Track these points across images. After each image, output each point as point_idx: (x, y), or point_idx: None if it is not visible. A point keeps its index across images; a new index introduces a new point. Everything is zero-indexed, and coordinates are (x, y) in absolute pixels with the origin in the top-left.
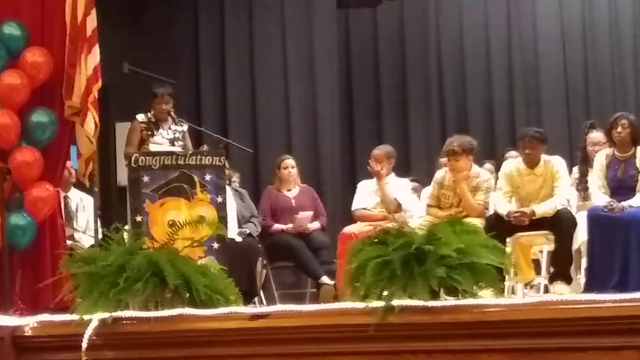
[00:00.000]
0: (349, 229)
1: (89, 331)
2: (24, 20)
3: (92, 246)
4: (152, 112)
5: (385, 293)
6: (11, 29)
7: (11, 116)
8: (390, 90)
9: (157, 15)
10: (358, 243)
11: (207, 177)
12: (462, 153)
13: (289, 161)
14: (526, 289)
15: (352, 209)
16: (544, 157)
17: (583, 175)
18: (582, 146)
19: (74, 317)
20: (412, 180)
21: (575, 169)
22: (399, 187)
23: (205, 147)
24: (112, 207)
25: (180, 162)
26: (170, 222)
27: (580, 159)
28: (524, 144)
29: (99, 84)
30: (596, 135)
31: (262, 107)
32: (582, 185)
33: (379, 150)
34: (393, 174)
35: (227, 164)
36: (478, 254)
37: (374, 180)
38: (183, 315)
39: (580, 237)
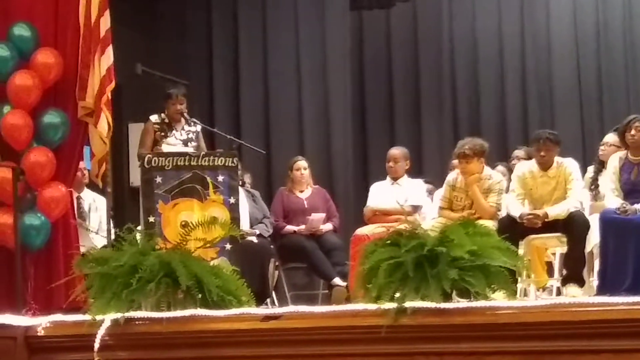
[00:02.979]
0: (362, 230)
1: (101, 331)
2: (37, 21)
3: (104, 247)
4: (165, 113)
5: (397, 295)
6: (21, 30)
7: (23, 117)
8: (403, 92)
9: (171, 17)
10: (370, 245)
11: (220, 178)
12: (474, 156)
13: (302, 162)
14: (539, 291)
15: (365, 208)
16: (557, 159)
17: (596, 174)
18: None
19: (87, 317)
20: (425, 182)
21: (590, 169)
22: (414, 188)
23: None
24: (124, 208)
25: (193, 163)
26: (183, 223)
27: (596, 158)
28: (538, 146)
29: (112, 84)
30: (608, 136)
31: (274, 108)
32: (594, 184)
33: (397, 150)
34: (406, 176)
35: (239, 165)
36: (490, 256)
37: (387, 181)
38: (195, 316)
39: (593, 239)
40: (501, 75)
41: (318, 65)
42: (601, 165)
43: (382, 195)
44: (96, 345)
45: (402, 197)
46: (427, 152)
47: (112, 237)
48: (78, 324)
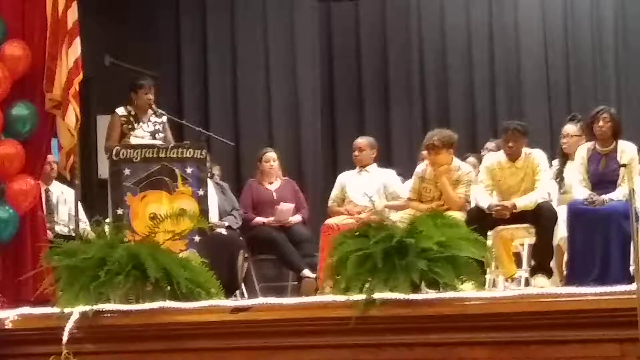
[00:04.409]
0: (331, 220)
1: (69, 324)
2: (4, 13)
3: (71, 238)
4: (132, 105)
5: (366, 286)
6: None
7: None
8: (372, 83)
9: (139, 8)
10: (339, 236)
11: (189, 170)
12: (443, 147)
13: (271, 154)
14: (507, 282)
15: (329, 204)
16: (525, 150)
17: (561, 165)
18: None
19: (55, 310)
20: (397, 174)
21: (555, 162)
22: (390, 179)
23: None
24: (93, 200)
25: (162, 155)
26: (152, 215)
27: (559, 151)
28: (506, 136)
29: (80, 76)
30: (567, 128)
31: (243, 100)
32: (559, 177)
33: (363, 139)
34: (375, 165)
35: (208, 157)
36: (459, 247)
37: (354, 170)
38: (164, 308)
39: (560, 232)
40: (470, 67)
41: (287, 56)
42: (565, 158)
43: (349, 185)
44: (64, 338)
45: (372, 186)
46: (396, 144)
47: (80, 229)
48: (46, 316)
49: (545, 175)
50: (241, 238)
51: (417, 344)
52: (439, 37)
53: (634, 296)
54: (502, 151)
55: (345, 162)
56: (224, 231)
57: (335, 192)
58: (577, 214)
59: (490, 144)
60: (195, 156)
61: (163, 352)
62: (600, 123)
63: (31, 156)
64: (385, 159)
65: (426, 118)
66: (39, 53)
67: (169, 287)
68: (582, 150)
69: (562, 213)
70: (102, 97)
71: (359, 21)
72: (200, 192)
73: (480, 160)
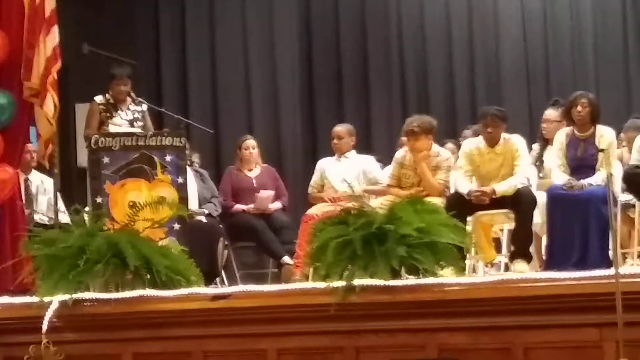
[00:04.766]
0: (312, 210)
1: (49, 313)
2: None
3: (51, 227)
4: (110, 94)
5: (346, 273)
6: None
7: None
8: (352, 70)
9: None
10: (319, 223)
11: (168, 158)
12: (422, 133)
13: (250, 141)
14: (487, 267)
15: (309, 191)
16: (504, 135)
17: (541, 149)
18: None
19: (35, 299)
20: (376, 160)
21: (535, 146)
22: (370, 165)
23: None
24: (72, 189)
25: (141, 143)
26: (131, 204)
27: (539, 135)
28: (485, 122)
29: (58, 65)
30: (548, 113)
31: (222, 87)
32: (539, 160)
33: (341, 127)
34: (354, 151)
35: (187, 145)
36: (439, 233)
37: (334, 157)
38: (144, 296)
39: (539, 217)
40: (449, 54)
41: (266, 44)
42: (545, 142)
43: (329, 172)
44: (44, 327)
45: (351, 172)
46: (376, 130)
47: (60, 218)
48: (26, 306)
49: (524, 161)
50: (221, 225)
51: (397, 330)
52: (418, 25)
53: (613, 281)
54: (481, 137)
55: (325, 149)
56: (203, 219)
57: (314, 179)
58: (556, 199)
59: (467, 132)
60: (174, 144)
61: (143, 340)
62: (579, 108)
63: (9, 145)
64: (365, 146)
65: (406, 104)
66: (16, 42)
67: (148, 275)
68: (561, 135)
69: (540, 198)
70: (81, 85)
71: (338, 9)
72: (180, 180)
73: (458, 147)
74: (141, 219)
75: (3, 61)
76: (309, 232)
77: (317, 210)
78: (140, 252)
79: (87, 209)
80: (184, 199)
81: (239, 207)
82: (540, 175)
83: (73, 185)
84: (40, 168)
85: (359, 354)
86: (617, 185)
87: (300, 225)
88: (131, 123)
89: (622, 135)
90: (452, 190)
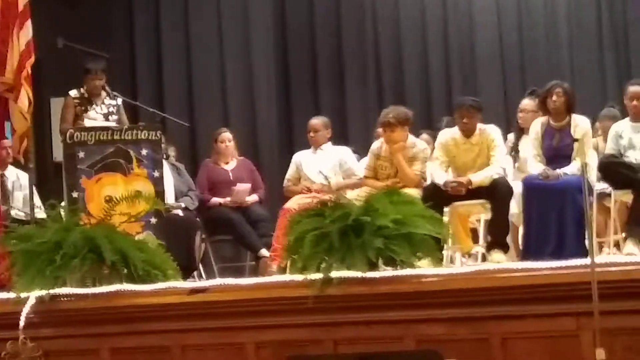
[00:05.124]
0: (290, 204)
1: (26, 309)
2: None
3: (27, 223)
4: (85, 88)
5: (323, 265)
6: None
7: None
8: (327, 62)
9: None
10: (295, 215)
11: (144, 152)
12: (398, 124)
13: (226, 134)
14: (464, 258)
15: (284, 184)
16: (479, 126)
17: (517, 139)
18: None
19: (11, 295)
20: (352, 152)
21: (510, 136)
22: (344, 155)
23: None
24: (48, 184)
25: (116, 137)
26: (107, 198)
27: (515, 125)
28: (461, 113)
29: (32, 59)
30: (524, 102)
31: (198, 80)
32: (514, 150)
33: (317, 120)
34: (330, 143)
35: (163, 138)
36: (415, 224)
37: (309, 150)
38: (121, 291)
39: (515, 206)
40: (424, 44)
41: (241, 36)
42: (521, 132)
43: (305, 165)
44: (21, 323)
45: (327, 164)
46: (352, 121)
47: (36, 213)
48: (2, 302)
49: (500, 151)
50: (198, 219)
51: (375, 322)
52: (393, 15)
53: (589, 270)
54: (456, 127)
55: (301, 142)
56: (180, 212)
57: (290, 172)
58: (532, 188)
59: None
60: (150, 138)
61: (121, 335)
62: (554, 98)
63: None
64: (341, 137)
65: (382, 96)
66: None
67: (125, 270)
68: (536, 125)
69: (517, 188)
70: (55, 79)
71: (312, 1)
72: (156, 174)
73: (434, 137)
74: (117, 214)
75: None
76: (286, 225)
77: (294, 203)
78: (117, 247)
79: (63, 204)
80: (160, 193)
81: (215, 200)
82: (516, 165)
83: (49, 180)
84: (15, 163)
85: (337, 346)
86: (593, 174)
87: (278, 218)
88: (106, 117)
89: (597, 124)
90: (428, 181)
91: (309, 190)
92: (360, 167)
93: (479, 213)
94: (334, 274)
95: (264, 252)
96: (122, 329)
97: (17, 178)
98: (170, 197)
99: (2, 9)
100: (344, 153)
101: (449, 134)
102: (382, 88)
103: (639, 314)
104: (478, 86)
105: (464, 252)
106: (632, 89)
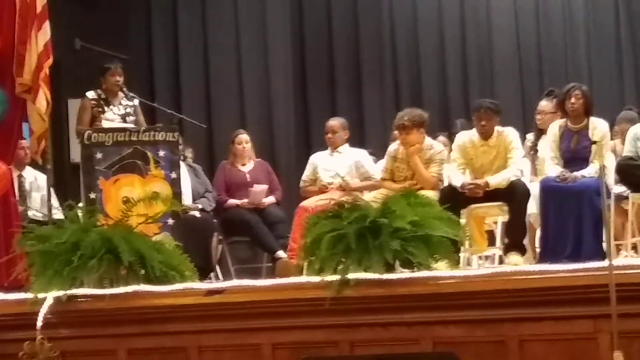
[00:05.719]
0: (306, 202)
1: (43, 309)
2: None
3: (44, 224)
4: (102, 88)
5: (340, 267)
6: None
7: None
8: (344, 64)
9: None
10: (313, 217)
11: (161, 153)
12: (413, 127)
13: (243, 136)
14: (481, 260)
15: (300, 185)
16: (497, 128)
17: (536, 138)
18: None
19: (29, 295)
20: (369, 154)
21: (529, 136)
22: (363, 159)
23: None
24: (66, 185)
25: (134, 138)
26: (124, 199)
27: (534, 125)
28: (478, 115)
29: (50, 60)
30: (542, 104)
31: (215, 82)
32: (533, 150)
33: (335, 121)
34: (347, 145)
35: (180, 140)
36: (432, 226)
37: (327, 151)
38: (138, 292)
39: (532, 208)
40: (442, 46)
41: (259, 37)
42: (540, 132)
43: (322, 166)
44: (39, 324)
45: (344, 166)
46: (369, 124)
47: (53, 214)
48: (20, 302)
49: (518, 153)
50: (215, 220)
51: (392, 324)
52: (410, 18)
53: (607, 272)
54: (474, 129)
55: (318, 143)
56: (197, 214)
57: (307, 173)
58: (549, 191)
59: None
60: (167, 139)
61: (138, 336)
62: (572, 100)
63: (2, 141)
64: (358, 139)
65: (399, 97)
66: (8, 37)
67: (143, 271)
68: (554, 127)
69: (533, 189)
70: (73, 80)
71: (330, 3)
72: (173, 175)
73: (450, 139)
74: (135, 215)
75: None
76: (303, 225)
77: (310, 202)
78: (134, 248)
79: (80, 204)
80: (177, 194)
81: (232, 201)
82: (535, 164)
83: (66, 181)
84: (33, 164)
85: (354, 347)
86: (611, 177)
87: (294, 217)
88: (123, 118)
89: (615, 127)
90: (445, 183)
91: (326, 188)
92: (376, 169)
93: (496, 215)
94: (351, 275)
95: (280, 253)
96: (139, 330)
97: (35, 179)
98: (187, 199)
99: (20, 10)
100: (361, 155)
101: (467, 136)
102: (399, 90)
103: None
104: (496, 89)
105: (478, 253)
106: None
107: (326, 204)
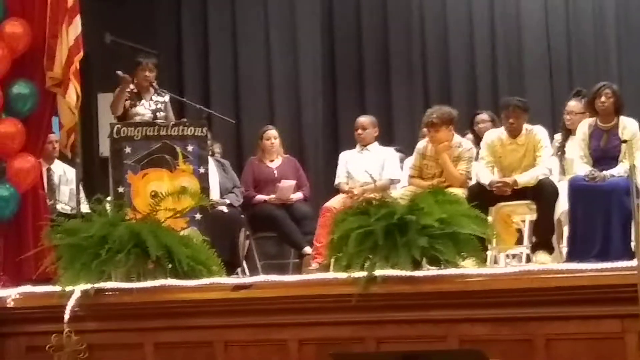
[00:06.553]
0: (330, 203)
1: (71, 302)
2: None
3: (73, 217)
4: (134, 82)
5: (367, 263)
6: None
7: None
8: (373, 60)
9: None
10: (340, 214)
11: (190, 148)
12: (442, 124)
13: (272, 132)
14: (508, 258)
15: (335, 182)
16: (526, 126)
17: (564, 139)
18: None
19: (56, 288)
20: (396, 151)
21: (557, 136)
22: (388, 159)
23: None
24: (94, 179)
25: (163, 132)
26: (153, 193)
27: (562, 125)
28: (507, 113)
29: (81, 54)
30: (570, 104)
31: (244, 77)
32: (561, 150)
33: (365, 118)
34: (376, 143)
35: (209, 135)
36: (460, 224)
37: (356, 149)
38: (165, 286)
39: (561, 206)
40: (471, 44)
41: (288, 33)
42: (568, 132)
43: (351, 164)
44: (66, 317)
45: (373, 164)
46: (398, 121)
47: (82, 208)
48: (48, 295)
49: (547, 152)
50: (242, 216)
51: (418, 321)
52: (440, 14)
53: (635, 272)
54: (502, 127)
55: (347, 140)
56: (225, 209)
57: (340, 171)
58: (578, 190)
59: (483, 116)
60: (196, 134)
61: (165, 330)
62: (602, 99)
63: (32, 135)
64: (387, 136)
65: (427, 95)
66: (39, 31)
67: (170, 265)
68: (584, 126)
69: (562, 188)
70: (103, 75)
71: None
72: (201, 170)
73: (475, 136)
74: (163, 209)
75: (25, 51)
76: (329, 223)
77: (335, 202)
78: (161, 242)
79: (109, 198)
80: (205, 189)
81: (260, 197)
82: (564, 164)
83: (95, 175)
84: (62, 158)
85: (380, 344)
86: None
87: (319, 217)
88: (154, 113)
89: None
90: (473, 181)
91: (353, 193)
92: (398, 172)
93: (524, 214)
94: (378, 272)
95: (307, 249)
96: (166, 324)
97: (64, 172)
98: (215, 194)
99: (51, 5)
100: (388, 154)
101: (495, 134)
102: (428, 87)
103: None
104: (525, 88)
105: (504, 251)
106: None
107: (352, 202)
